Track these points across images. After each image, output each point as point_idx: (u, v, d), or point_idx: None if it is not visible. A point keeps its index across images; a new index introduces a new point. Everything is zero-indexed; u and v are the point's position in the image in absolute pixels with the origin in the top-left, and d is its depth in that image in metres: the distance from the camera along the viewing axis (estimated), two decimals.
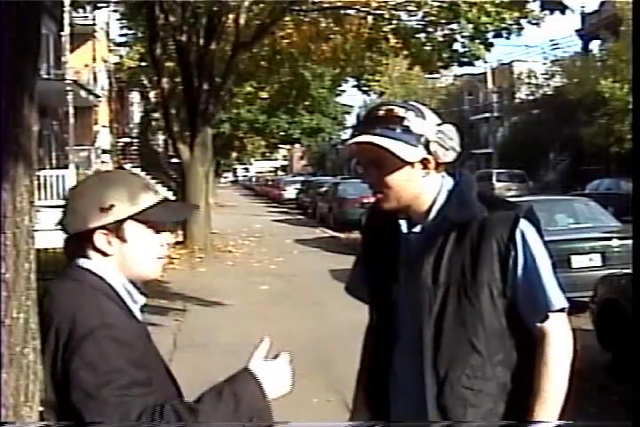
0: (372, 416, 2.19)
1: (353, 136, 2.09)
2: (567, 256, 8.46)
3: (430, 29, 16.25)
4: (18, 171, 1.57)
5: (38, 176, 16.70)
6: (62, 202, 1.84)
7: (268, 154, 67.38)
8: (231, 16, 16.25)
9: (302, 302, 9.84)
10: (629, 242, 7.39)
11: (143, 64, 26.49)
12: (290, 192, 37.88)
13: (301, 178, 43.66)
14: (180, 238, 16.49)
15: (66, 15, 24.26)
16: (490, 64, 40.33)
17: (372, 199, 2.12)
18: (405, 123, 1.97)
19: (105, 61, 33.36)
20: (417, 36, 16.42)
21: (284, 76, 25.97)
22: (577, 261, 8.59)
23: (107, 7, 24.21)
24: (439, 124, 2.02)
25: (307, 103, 34.79)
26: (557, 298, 1.99)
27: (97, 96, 28.63)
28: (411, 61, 17.69)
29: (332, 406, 5.30)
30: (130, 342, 1.66)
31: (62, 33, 25.06)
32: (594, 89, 29.47)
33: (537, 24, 15.17)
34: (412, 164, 2.00)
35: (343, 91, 52.66)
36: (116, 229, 1.75)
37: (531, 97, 39.92)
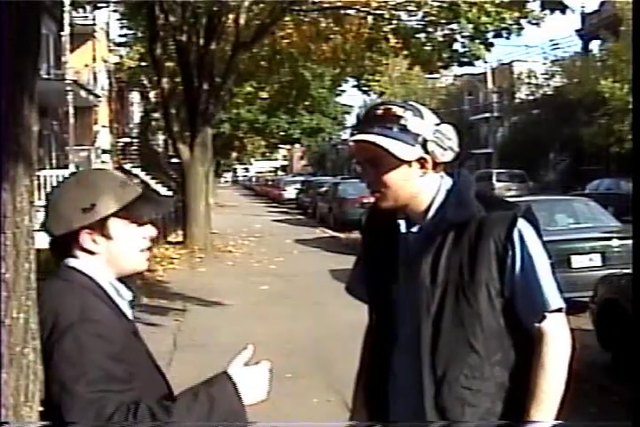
0: (370, 416, 2.19)
1: (352, 135, 2.10)
2: (567, 256, 8.46)
3: (430, 29, 16.24)
4: (18, 171, 1.57)
5: (38, 176, 16.70)
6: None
7: (268, 154, 67.42)
8: (231, 16, 16.26)
9: (302, 302, 9.84)
10: (629, 242, 7.39)
11: (143, 64, 26.51)
12: (290, 192, 37.88)
13: (301, 178, 43.65)
14: (180, 238, 16.51)
15: (66, 15, 24.27)
16: (490, 64, 40.34)
17: (372, 199, 2.12)
18: (403, 122, 1.98)
19: (105, 61, 33.35)
20: (417, 36, 16.42)
21: (284, 76, 25.98)
22: (577, 261, 8.59)
23: (107, 7, 24.23)
24: (437, 124, 2.02)
25: (307, 103, 34.81)
26: (555, 298, 1.99)
27: (97, 96, 28.63)
28: (411, 61, 17.69)
29: (331, 406, 5.30)
30: (111, 338, 1.67)
31: (62, 33, 25.08)
32: (594, 89, 29.47)
33: (537, 24, 15.16)
34: (409, 163, 2.00)
35: (343, 91, 52.80)
36: (99, 227, 1.79)
37: (531, 97, 39.91)
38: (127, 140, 37.01)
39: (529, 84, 40.16)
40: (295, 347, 7.24)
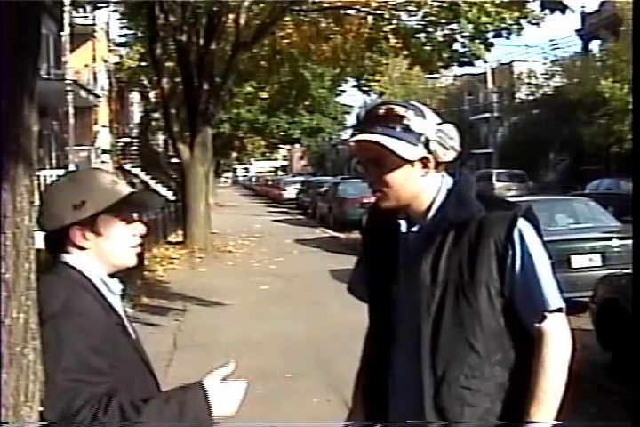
0: (367, 416, 2.19)
1: (353, 135, 2.09)
2: (567, 256, 8.46)
3: (430, 29, 16.23)
4: (18, 171, 1.57)
5: (38, 176, 16.70)
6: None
7: (268, 154, 67.39)
8: (231, 16, 16.26)
9: (302, 302, 9.84)
10: (629, 242, 7.39)
11: (143, 64, 26.50)
12: (290, 192, 37.87)
13: (301, 178, 43.65)
14: (180, 238, 16.51)
15: (66, 15, 24.30)
16: (490, 64, 40.35)
17: (372, 199, 2.12)
18: (405, 122, 1.97)
19: (105, 61, 33.36)
20: (417, 36, 16.41)
21: (284, 76, 25.98)
22: (577, 261, 8.59)
23: (107, 7, 24.24)
24: (439, 124, 2.02)
25: (307, 103, 34.81)
26: (554, 298, 1.99)
27: (97, 96, 28.65)
28: (411, 61, 17.68)
29: (331, 406, 5.30)
30: (91, 330, 1.73)
31: (62, 33, 25.10)
32: (594, 89, 29.46)
33: (537, 24, 15.16)
34: (411, 162, 2.00)
35: (343, 91, 52.76)
36: (89, 223, 1.87)
37: (531, 97, 39.90)
38: (127, 140, 37.03)
39: (529, 84, 40.15)
40: (295, 347, 7.24)
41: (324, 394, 5.68)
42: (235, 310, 9.38)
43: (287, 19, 17.02)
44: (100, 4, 23.30)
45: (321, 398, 5.63)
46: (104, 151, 30.60)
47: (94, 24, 29.86)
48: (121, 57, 34.19)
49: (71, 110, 23.61)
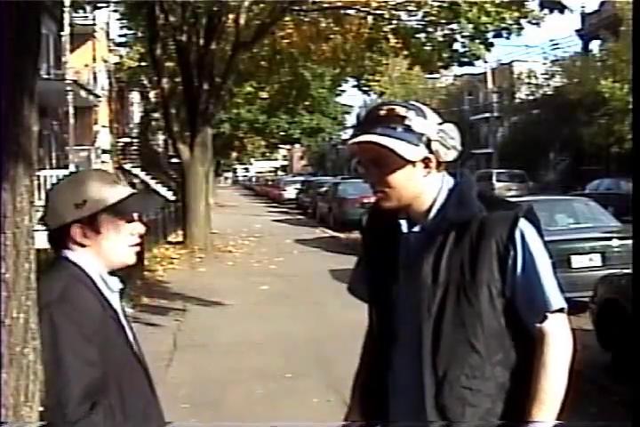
0: (364, 416, 2.19)
1: (354, 136, 2.09)
2: (567, 256, 8.46)
3: (430, 29, 16.23)
4: (18, 171, 1.57)
5: (38, 176, 16.70)
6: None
7: (268, 154, 67.42)
8: (231, 16, 16.26)
9: (302, 302, 9.84)
10: (629, 242, 7.39)
11: (143, 64, 26.50)
12: (290, 192, 37.86)
13: (301, 178, 43.63)
14: (180, 238, 16.51)
15: (66, 15, 24.25)
16: (490, 64, 40.37)
17: (373, 199, 2.12)
18: (407, 122, 1.97)
19: (105, 61, 33.34)
20: (417, 36, 16.40)
21: (284, 76, 25.98)
22: (577, 261, 8.59)
23: (107, 7, 24.24)
24: (440, 124, 2.02)
25: (307, 103, 34.81)
26: (556, 298, 1.99)
27: (97, 96, 28.62)
28: (411, 61, 17.68)
29: (331, 406, 5.29)
30: (84, 319, 1.81)
31: (62, 33, 25.06)
32: (594, 89, 29.46)
33: (537, 24, 15.16)
34: (413, 163, 2.00)
35: (343, 91, 52.79)
36: (90, 222, 1.94)
37: (531, 97, 39.90)
38: (127, 140, 37.01)
39: (529, 84, 40.15)
40: (295, 347, 7.24)
41: (324, 394, 5.68)
42: (235, 310, 9.38)
43: (287, 19, 17.02)
44: (99, 4, 23.29)
45: (321, 398, 5.63)
46: (104, 151, 30.58)
47: (94, 24, 29.83)
48: (121, 57, 34.19)
49: (71, 110, 23.58)
